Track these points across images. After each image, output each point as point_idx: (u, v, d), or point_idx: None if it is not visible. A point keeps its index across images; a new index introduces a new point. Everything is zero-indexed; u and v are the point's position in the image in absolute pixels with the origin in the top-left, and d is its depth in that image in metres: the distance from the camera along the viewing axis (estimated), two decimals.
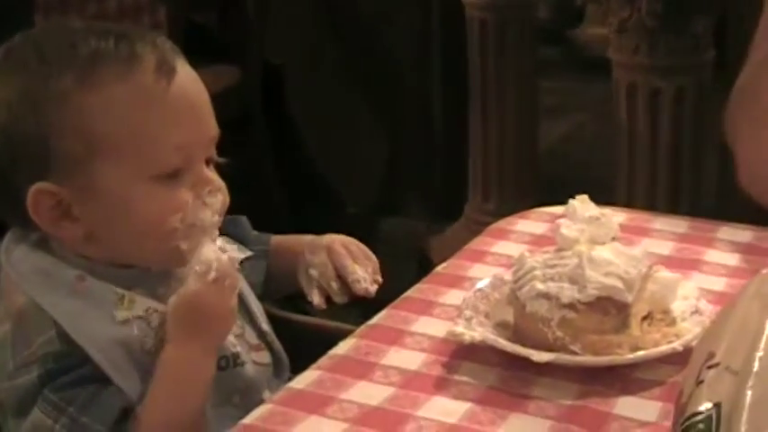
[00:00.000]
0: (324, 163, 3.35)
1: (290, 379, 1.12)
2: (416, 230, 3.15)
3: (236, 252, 1.16)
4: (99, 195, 1.09)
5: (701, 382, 0.92)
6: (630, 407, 1.05)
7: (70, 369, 1.06)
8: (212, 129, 1.14)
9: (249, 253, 1.23)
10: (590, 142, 3.80)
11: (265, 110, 3.15)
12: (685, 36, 2.27)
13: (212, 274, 1.08)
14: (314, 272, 1.27)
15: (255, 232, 1.35)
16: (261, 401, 1.15)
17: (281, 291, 1.34)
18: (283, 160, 3.22)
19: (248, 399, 1.15)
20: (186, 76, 1.12)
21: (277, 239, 1.35)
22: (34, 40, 1.12)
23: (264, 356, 1.21)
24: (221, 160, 1.16)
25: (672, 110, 2.30)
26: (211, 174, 1.14)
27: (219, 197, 1.13)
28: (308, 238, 1.31)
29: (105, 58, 1.08)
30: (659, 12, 2.21)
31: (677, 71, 2.31)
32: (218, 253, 1.09)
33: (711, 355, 0.94)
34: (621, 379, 1.09)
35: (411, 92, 3.25)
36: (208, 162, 1.14)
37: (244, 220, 1.33)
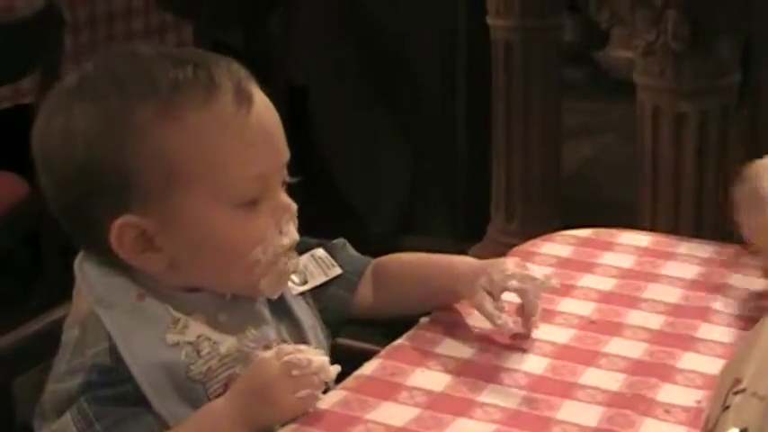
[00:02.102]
0: (347, 182, 3.36)
1: None
2: (439, 250, 3.14)
3: (318, 277, 1.21)
4: (181, 225, 1.08)
5: (728, 407, 0.92)
6: (655, 431, 1.05)
7: (112, 384, 1.06)
8: (286, 153, 1.13)
9: (334, 274, 1.27)
10: (614, 165, 3.80)
11: (290, 129, 3.16)
12: (711, 59, 2.27)
13: (296, 372, 1.06)
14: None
15: (356, 254, 1.34)
16: None
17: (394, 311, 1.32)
18: (306, 179, 3.22)
19: None
20: (262, 103, 1.11)
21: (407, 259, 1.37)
22: (111, 68, 1.10)
23: None
24: (292, 180, 1.15)
25: (697, 133, 2.30)
26: (288, 199, 1.14)
27: (292, 225, 1.14)
28: (474, 260, 1.29)
29: (185, 88, 1.07)
30: (685, 35, 2.21)
31: (702, 94, 2.30)
32: (314, 354, 1.09)
33: (738, 381, 0.94)
34: (646, 402, 1.09)
35: (435, 111, 3.26)
36: (282, 185, 1.14)
37: (340, 244, 1.33)
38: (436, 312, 1.27)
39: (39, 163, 1.12)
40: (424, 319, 1.25)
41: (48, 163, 1.10)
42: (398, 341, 1.21)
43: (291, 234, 1.13)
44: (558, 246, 1.44)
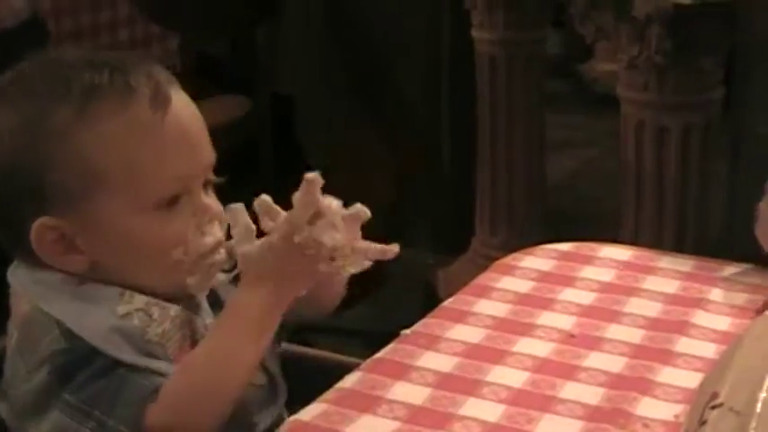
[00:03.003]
0: (331, 193, 3.36)
1: (295, 411, 1.13)
2: (423, 262, 3.15)
3: None
4: (100, 228, 1.11)
5: (705, 422, 0.93)
6: None
7: (81, 364, 1.07)
8: (208, 155, 1.15)
9: None
10: (598, 177, 3.81)
11: (274, 140, 3.17)
12: (694, 74, 2.28)
13: (297, 238, 1.07)
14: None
15: None
16: (251, 423, 1.17)
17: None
18: (290, 190, 3.22)
19: (236, 417, 1.12)
20: (181, 105, 1.13)
21: None
22: (24, 75, 1.13)
23: (258, 378, 1.20)
24: (219, 180, 1.17)
25: (679, 147, 2.31)
26: (210, 201, 1.15)
27: (216, 225, 1.15)
28: None
29: (100, 93, 1.09)
30: (668, 49, 2.22)
31: (685, 108, 2.31)
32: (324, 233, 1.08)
33: (715, 396, 0.95)
34: (625, 416, 1.09)
35: (420, 124, 3.26)
36: (206, 186, 1.16)
37: None
38: (417, 325, 1.27)
39: None
40: (404, 332, 1.26)
41: None
42: (379, 354, 1.22)
43: (215, 234, 1.14)
44: (540, 259, 1.45)
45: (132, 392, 1.06)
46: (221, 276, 1.20)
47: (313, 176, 1.08)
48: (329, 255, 1.08)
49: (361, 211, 1.10)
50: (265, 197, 1.11)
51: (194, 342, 1.15)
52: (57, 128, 1.08)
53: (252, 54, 3.16)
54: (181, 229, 1.12)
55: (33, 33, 2.27)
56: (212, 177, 1.17)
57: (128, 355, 1.08)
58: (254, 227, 1.10)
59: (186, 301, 1.17)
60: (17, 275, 1.15)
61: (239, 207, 1.10)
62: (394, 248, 1.12)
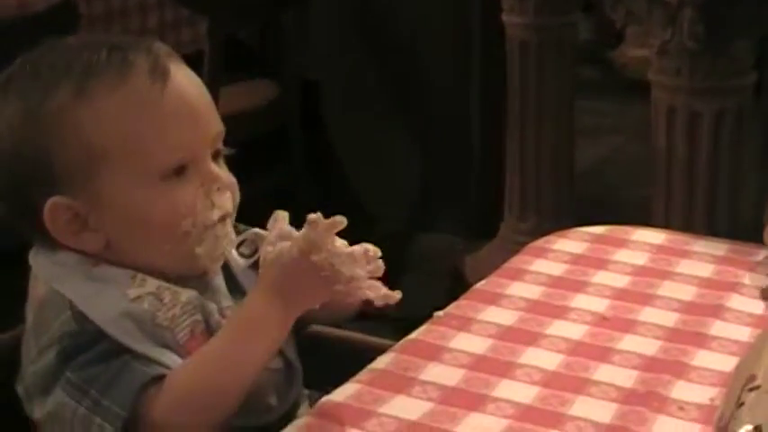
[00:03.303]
0: (359, 178, 3.36)
1: (326, 392, 1.13)
2: (451, 248, 3.15)
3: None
4: (109, 203, 1.11)
5: (742, 404, 0.92)
6: (668, 428, 1.05)
7: (87, 346, 1.07)
8: (214, 126, 1.16)
9: None
10: (626, 164, 3.80)
11: (302, 125, 3.17)
12: (726, 59, 2.26)
13: (316, 258, 1.07)
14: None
15: None
16: (267, 406, 1.17)
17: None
18: (318, 175, 3.23)
19: (252, 401, 1.13)
20: (182, 77, 1.14)
21: None
22: (30, 62, 1.15)
23: (275, 362, 1.20)
24: (230, 151, 1.18)
25: (711, 132, 2.29)
26: (219, 170, 1.16)
27: (228, 195, 1.15)
28: None
29: (98, 70, 1.11)
30: (700, 34, 2.20)
31: (717, 94, 2.29)
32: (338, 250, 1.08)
33: (752, 378, 0.95)
34: (659, 399, 1.09)
35: (449, 108, 3.25)
36: (216, 158, 1.16)
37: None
38: (450, 307, 1.27)
39: None
40: (438, 314, 1.25)
41: None
42: (412, 335, 1.21)
43: (224, 206, 1.15)
44: (572, 242, 1.44)
45: (132, 376, 1.06)
46: (240, 261, 1.21)
47: (341, 220, 1.08)
48: (345, 281, 1.08)
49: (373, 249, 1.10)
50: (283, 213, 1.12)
51: (208, 328, 1.15)
52: (57, 108, 1.10)
53: (280, 39, 3.16)
54: (189, 199, 1.12)
55: (65, 16, 2.27)
56: (222, 149, 1.17)
57: (135, 342, 1.08)
58: (290, 234, 1.10)
59: (201, 284, 1.17)
60: (37, 259, 1.16)
61: (283, 214, 1.12)
62: (396, 295, 1.12)
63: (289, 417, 1.16)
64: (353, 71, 3.34)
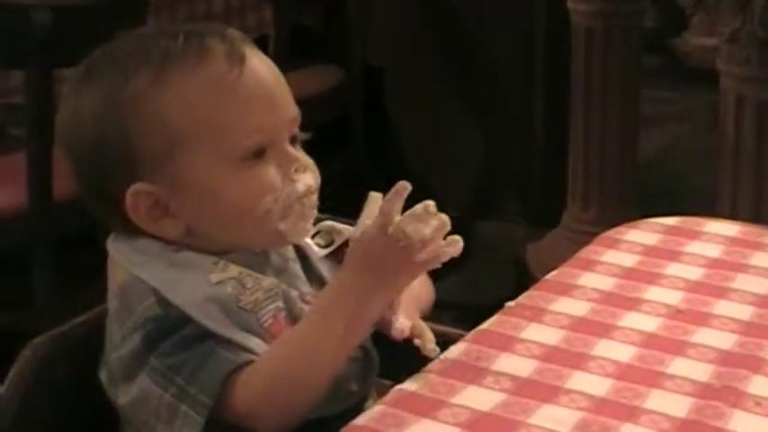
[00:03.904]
0: (422, 164, 3.35)
1: (399, 381, 1.12)
2: (513, 235, 3.13)
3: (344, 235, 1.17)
4: (189, 188, 1.12)
5: None
6: (745, 424, 1.03)
7: (171, 331, 1.08)
8: (290, 110, 1.16)
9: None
10: (690, 154, 3.76)
11: (365, 111, 3.17)
12: None
13: (391, 229, 1.06)
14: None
15: None
16: (350, 392, 1.16)
17: None
18: (380, 162, 3.23)
19: (336, 388, 1.12)
20: (258, 62, 1.15)
21: None
22: (109, 51, 1.16)
23: (355, 351, 1.18)
24: (306, 136, 1.18)
25: None
26: (297, 152, 1.16)
27: (309, 173, 1.16)
28: None
29: (176, 56, 1.12)
30: None
31: None
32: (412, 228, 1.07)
33: None
34: (736, 394, 1.07)
35: (512, 96, 3.24)
36: (293, 142, 1.16)
37: None
38: (521, 297, 1.26)
39: (61, 149, 1.18)
40: (509, 304, 1.24)
41: (65, 147, 1.17)
42: (483, 325, 1.21)
43: (305, 180, 1.15)
44: (644, 233, 1.43)
45: (218, 364, 1.06)
46: (317, 250, 1.21)
47: (404, 184, 1.08)
48: (419, 246, 1.07)
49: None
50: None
51: (290, 314, 1.15)
52: (137, 94, 1.11)
53: (344, 25, 3.16)
54: (270, 179, 1.13)
55: (131, 2, 2.29)
56: (298, 132, 1.18)
57: (220, 326, 1.09)
58: (376, 218, 1.09)
59: (280, 271, 1.17)
60: (116, 246, 1.16)
61: (377, 196, 1.11)
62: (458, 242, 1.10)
63: (364, 403, 1.16)
64: (417, 57, 3.33)
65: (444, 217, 1.08)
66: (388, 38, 3.32)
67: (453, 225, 1.10)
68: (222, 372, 1.06)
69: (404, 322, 1.17)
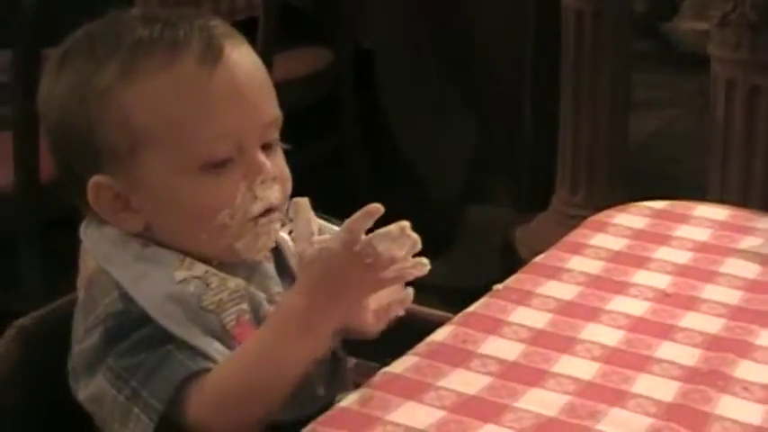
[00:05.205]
0: (411, 148, 3.35)
1: (385, 363, 1.12)
2: (502, 219, 3.13)
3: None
4: (148, 187, 1.09)
5: None
6: (732, 408, 1.03)
7: (131, 329, 1.06)
8: (267, 114, 1.12)
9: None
10: (680, 138, 3.76)
11: (355, 93, 3.15)
12: None
13: (357, 247, 1.02)
14: None
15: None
16: (315, 396, 1.14)
17: None
18: (371, 143, 3.22)
19: (301, 392, 1.09)
20: (237, 59, 1.10)
21: None
22: (87, 35, 1.13)
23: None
24: (285, 146, 1.14)
25: None
26: (266, 161, 1.10)
27: (275, 188, 1.11)
28: None
29: (146, 48, 1.08)
30: (763, 6, 2.17)
31: None
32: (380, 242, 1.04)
33: None
34: (723, 379, 1.07)
35: (502, 79, 3.23)
36: (267, 148, 1.11)
37: None
38: (509, 280, 1.26)
39: (42, 127, 1.17)
40: (496, 287, 1.24)
41: (43, 126, 1.15)
42: (471, 308, 1.20)
43: (267, 199, 1.10)
44: (633, 217, 1.42)
45: (173, 369, 1.04)
46: (291, 243, 1.16)
47: (377, 207, 1.03)
48: (387, 264, 1.04)
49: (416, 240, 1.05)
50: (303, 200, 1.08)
51: (255, 316, 1.12)
52: (102, 86, 1.08)
53: (335, 6, 3.15)
54: (229, 193, 1.09)
55: None
56: (274, 138, 1.13)
57: (180, 328, 1.06)
58: (315, 225, 1.07)
59: (249, 270, 1.14)
60: (87, 233, 1.15)
61: (303, 201, 1.08)
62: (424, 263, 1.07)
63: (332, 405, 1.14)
64: (407, 40, 3.32)
65: (416, 238, 1.04)
66: (378, 20, 3.31)
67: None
68: (176, 377, 1.03)
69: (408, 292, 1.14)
